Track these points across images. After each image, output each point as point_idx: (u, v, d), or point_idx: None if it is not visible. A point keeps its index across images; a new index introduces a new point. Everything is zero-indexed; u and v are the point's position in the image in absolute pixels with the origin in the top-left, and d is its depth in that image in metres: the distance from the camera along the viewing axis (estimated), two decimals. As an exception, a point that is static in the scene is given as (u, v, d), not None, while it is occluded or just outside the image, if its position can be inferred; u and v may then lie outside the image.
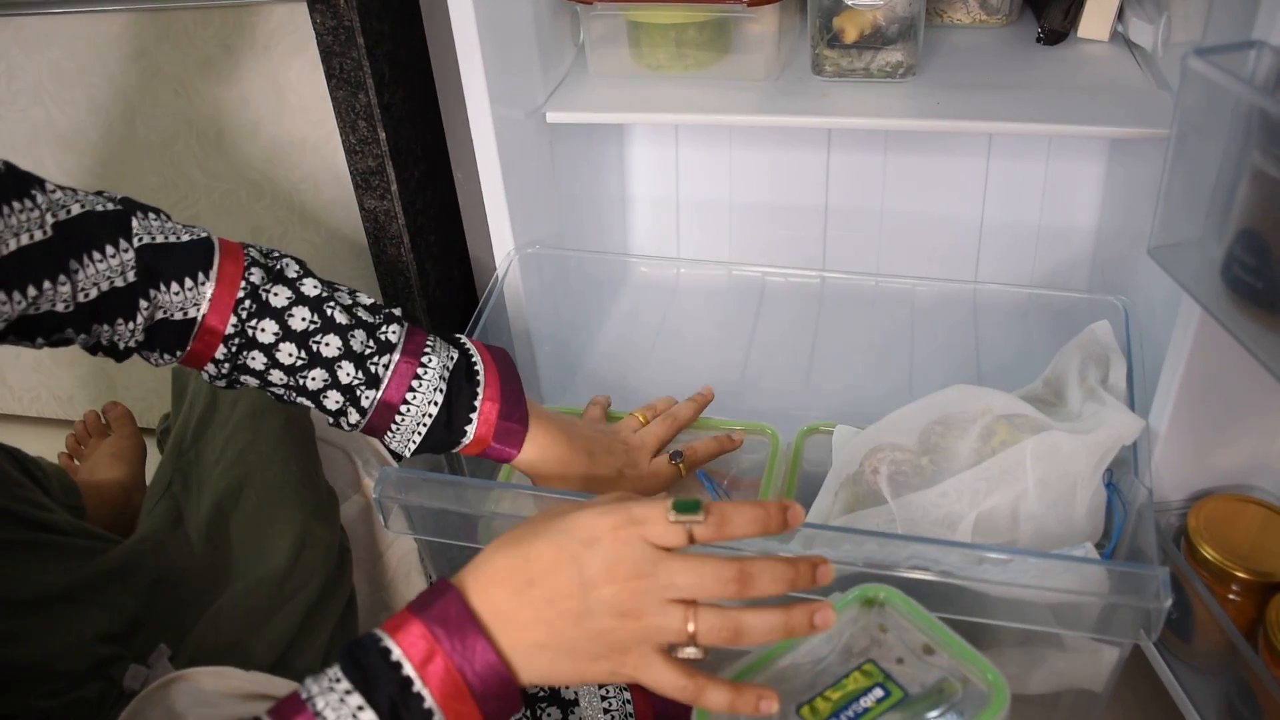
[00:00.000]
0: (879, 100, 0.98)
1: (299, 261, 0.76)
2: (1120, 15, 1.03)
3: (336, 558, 0.94)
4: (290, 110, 1.08)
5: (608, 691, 0.90)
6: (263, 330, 0.72)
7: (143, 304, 0.68)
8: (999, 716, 0.61)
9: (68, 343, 0.70)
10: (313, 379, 0.73)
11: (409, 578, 1.04)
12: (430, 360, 0.77)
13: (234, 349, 0.72)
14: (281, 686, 0.78)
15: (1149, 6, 1.01)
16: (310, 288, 0.75)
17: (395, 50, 0.97)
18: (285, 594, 0.89)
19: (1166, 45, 0.96)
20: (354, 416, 0.76)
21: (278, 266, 0.74)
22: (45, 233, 0.64)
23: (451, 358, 0.78)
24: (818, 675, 0.64)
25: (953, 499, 0.81)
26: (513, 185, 1.00)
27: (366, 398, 0.75)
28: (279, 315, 0.72)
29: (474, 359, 0.79)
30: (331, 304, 0.75)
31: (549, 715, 0.89)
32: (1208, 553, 0.78)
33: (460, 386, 0.77)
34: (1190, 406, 0.81)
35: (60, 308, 0.65)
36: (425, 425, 0.76)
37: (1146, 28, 0.99)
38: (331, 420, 0.77)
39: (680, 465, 0.87)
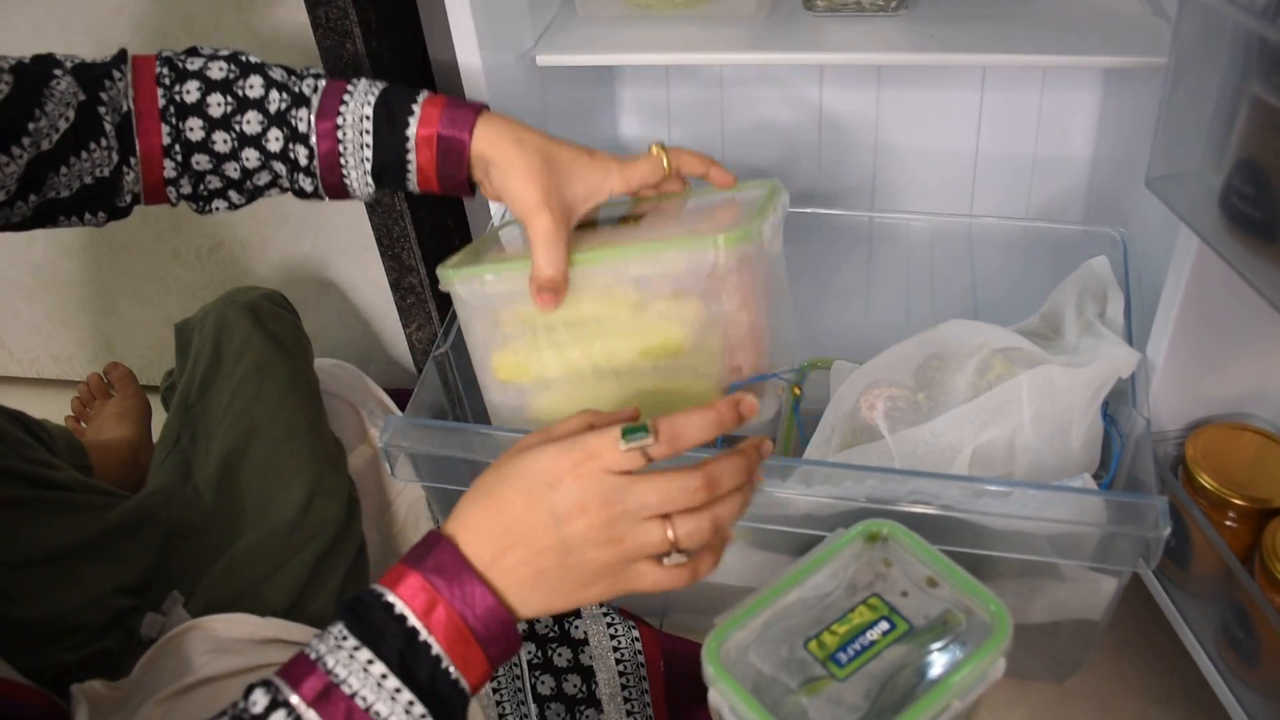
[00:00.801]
0: (871, 34, 0.97)
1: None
2: (1115, -60, 1.02)
3: (346, 507, 0.96)
4: (276, 61, 1.07)
5: (616, 631, 0.92)
6: (188, 91, 0.72)
7: (101, 110, 0.70)
8: (1002, 646, 0.62)
9: (53, 216, 0.71)
10: (249, 122, 0.73)
11: (418, 525, 1.05)
12: (359, 80, 0.76)
13: (173, 123, 0.72)
14: (296, 631, 0.80)
15: (1144, -70, 0.99)
16: (223, 50, 0.75)
17: (381, -4, 0.96)
18: (296, 543, 0.90)
19: (1163, -30, 0.95)
20: (302, 154, 0.74)
21: (189, 47, 0.76)
22: (7, 83, 0.66)
23: (382, 83, 0.76)
24: (824, 610, 0.66)
25: (949, 433, 0.82)
26: (505, 131, 0.99)
27: (301, 120, 0.73)
28: (198, 74, 0.73)
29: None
30: (245, 55, 0.75)
31: (559, 655, 0.91)
32: (1205, 481, 0.80)
33: (395, 92, 0.75)
34: (1187, 337, 0.81)
35: (45, 144, 0.67)
36: (368, 133, 0.74)
37: (1142, -48, 0.98)
38: (289, 176, 0.75)
39: (661, 151, 0.78)
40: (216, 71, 0.73)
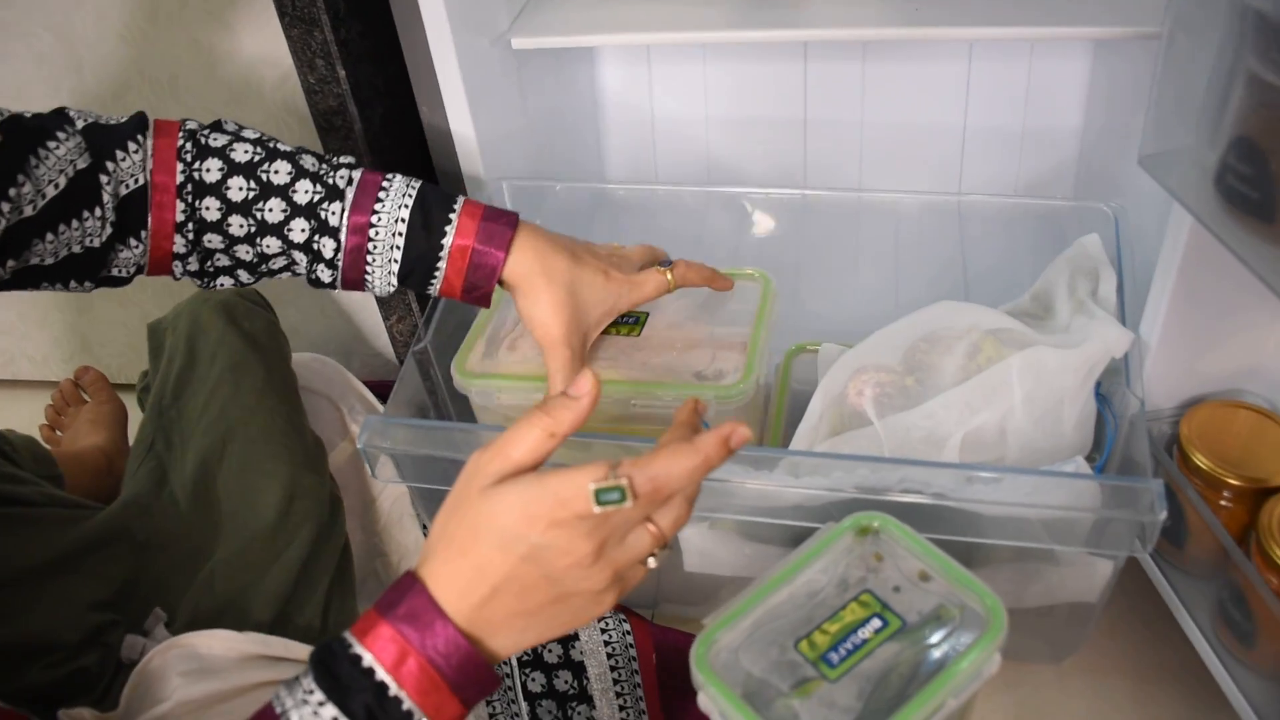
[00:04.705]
0: (856, 9, 0.95)
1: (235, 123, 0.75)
2: (1102, -95, 0.99)
3: (328, 508, 0.94)
4: (244, 51, 1.04)
5: (607, 624, 0.91)
6: (208, 170, 0.70)
7: (103, 180, 0.67)
8: (996, 641, 0.61)
9: (35, 279, 0.67)
10: (270, 210, 0.71)
11: (402, 522, 1.03)
12: (394, 177, 0.74)
13: (189, 200, 0.70)
14: (278, 645, 0.78)
15: (1132, -106, 0.96)
16: (249, 132, 0.74)
17: (348, -18, 0.93)
18: (278, 548, 0.88)
19: (1152, -65, 0.92)
20: (328, 246, 0.72)
21: (214, 121, 0.74)
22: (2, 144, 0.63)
23: (417, 181, 0.75)
24: (814, 608, 0.64)
25: (939, 418, 0.80)
26: (481, 117, 0.97)
27: (332, 214, 0.72)
28: (221, 152, 0.71)
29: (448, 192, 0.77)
30: (273, 141, 0.73)
31: (550, 651, 0.90)
32: (1200, 460, 0.78)
33: (432, 195, 0.74)
34: (1181, 314, 0.80)
35: (28, 210, 0.63)
36: (401, 235, 0.72)
37: (1130, -83, 0.95)
38: (308, 266, 0.74)
39: (669, 274, 0.82)
40: (241, 154, 0.71)
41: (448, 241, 0.73)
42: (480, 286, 0.75)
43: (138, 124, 0.70)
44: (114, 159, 0.68)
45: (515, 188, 1.03)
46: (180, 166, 0.70)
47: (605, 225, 1.18)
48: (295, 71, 0.95)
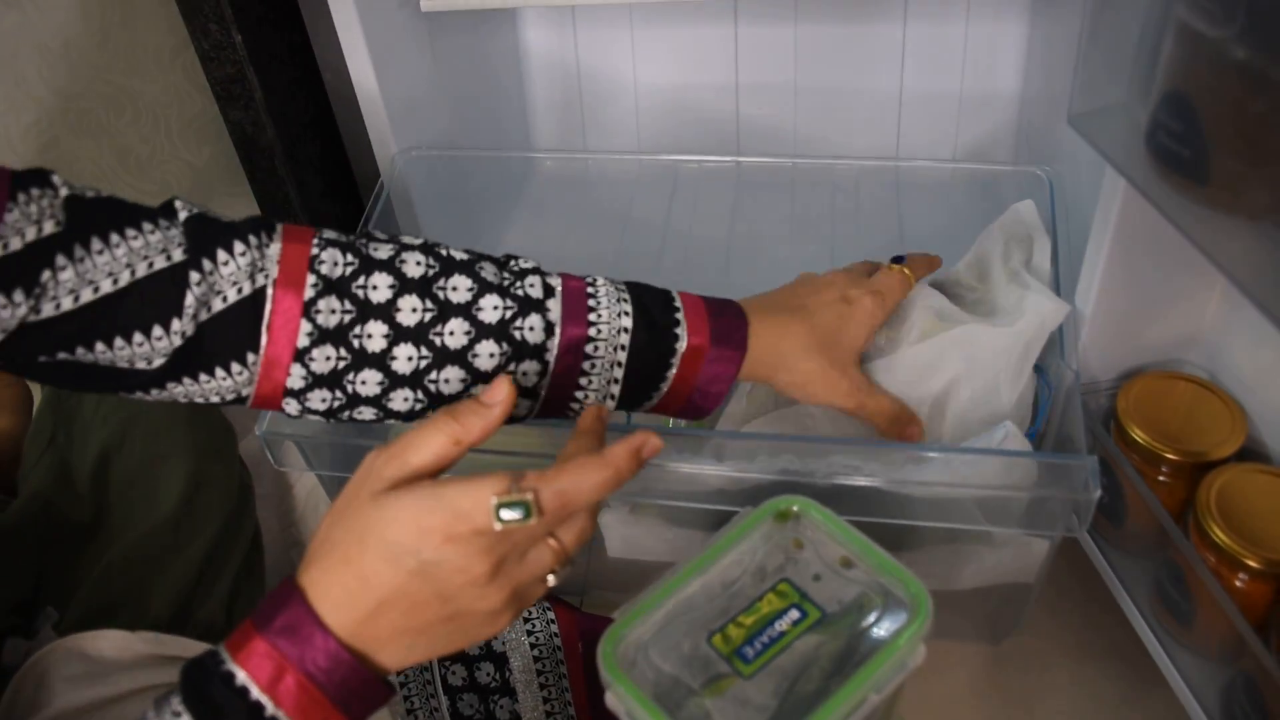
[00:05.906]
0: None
1: None
2: None
3: (237, 497, 0.89)
4: (138, 15, 0.98)
5: (530, 613, 0.87)
6: (374, 288, 0.56)
7: (193, 278, 0.53)
8: (921, 632, 0.57)
9: (62, 377, 0.55)
10: (451, 333, 0.57)
11: (318, 510, 0.99)
12: (596, 277, 0.63)
13: (326, 316, 0.56)
14: (172, 644, 0.73)
15: None
16: (409, 239, 0.61)
17: (242, -61, 0.87)
18: (180, 541, 0.84)
19: (1088, -112, 0.88)
20: (531, 371, 0.59)
21: (359, 231, 0.63)
22: (58, 223, 0.51)
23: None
24: (730, 599, 0.60)
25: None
26: (389, 84, 0.91)
27: (533, 330, 0.59)
28: (388, 265, 0.57)
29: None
30: (441, 246, 0.61)
31: (470, 645, 0.86)
32: (1137, 435, 0.75)
33: (645, 291, 0.63)
34: (1117, 282, 0.77)
35: (67, 303, 0.51)
36: (624, 348, 0.61)
37: None
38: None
39: (906, 270, 0.74)
40: (413, 267, 0.58)
41: (680, 346, 0.62)
42: (710, 391, 0.64)
43: (257, 223, 0.57)
44: (213, 261, 0.54)
45: (431, 159, 0.98)
46: (312, 280, 0.56)
47: (533, 196, 1.13)
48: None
